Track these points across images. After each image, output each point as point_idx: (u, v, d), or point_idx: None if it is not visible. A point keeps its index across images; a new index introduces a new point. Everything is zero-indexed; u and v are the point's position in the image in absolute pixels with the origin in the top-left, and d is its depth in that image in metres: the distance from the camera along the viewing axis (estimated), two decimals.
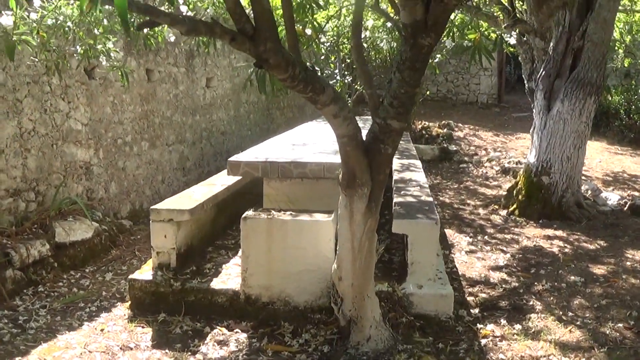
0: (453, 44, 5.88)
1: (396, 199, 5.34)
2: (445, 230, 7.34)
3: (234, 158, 5.29)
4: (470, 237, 7.03)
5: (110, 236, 6.52)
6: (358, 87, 14.59)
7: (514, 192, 8.21)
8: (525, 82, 8.90)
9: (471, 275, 5.80)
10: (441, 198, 9.18)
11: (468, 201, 8.95)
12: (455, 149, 12.56)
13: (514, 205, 8.06)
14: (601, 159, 11.61)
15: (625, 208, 8.22)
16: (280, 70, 3.01)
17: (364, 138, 3.69)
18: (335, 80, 13.52)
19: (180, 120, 9.23)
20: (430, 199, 5.44)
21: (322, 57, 13.90)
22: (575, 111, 7.58)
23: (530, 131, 8.38)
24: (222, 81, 10.78)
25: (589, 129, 7.84)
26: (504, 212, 8.16)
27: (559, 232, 7.25)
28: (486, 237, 7.07)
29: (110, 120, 7.34)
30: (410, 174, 6.80)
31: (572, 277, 5.69)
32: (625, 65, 13.78)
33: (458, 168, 11.59)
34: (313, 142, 6.62)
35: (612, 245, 6.79)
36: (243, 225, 4.61)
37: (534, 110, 8.33)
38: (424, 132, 13.75)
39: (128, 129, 7.76)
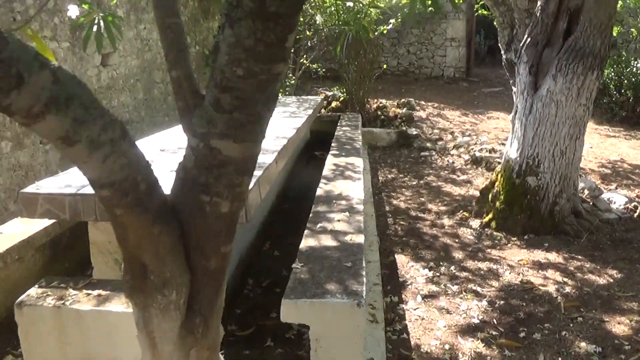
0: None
1: (304, 243, 3.34)
2: (397, 256, 5.35)
3: (30, 188, 3.16)
4: (431, 269, 5.03)
5: None
6: (305, 61, 12.50)
7: (489, 196, 6.21)
8: (503, 52, 6.88)
9: (430, 348, 3.80)
10: (395, 202, 7.15)
11: (429, 205, 6.93)
12: (415, 132, 10.47)
13: (490, 215, 6.07)
14: (592, 143, 9.57)
15: (636, 214, 6.26)
16: None
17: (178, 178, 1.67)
18: None
19: None
20: (361, 238, 3.44)
21: None
22: (572, 90, 5.58)
23: (511, 116, 6.37)
24: (126, 57, 8.67)
25: (589, 114, 5.84)
26: (476, 223, 6.17)
27: (553, 255, 5.29)
28: (452, 267, 5.08)
29: None
30: (343, 183, 4.83)
31: (583, 344, 3.77)
32: (614, 34, 11.86)
33: (419, 157, 9.54)
34: None
35: (628, 276, 4.86)
36: (18, 317, 2.58)
37: (514, 89, 6.33)
38: (379, 112, 11.69)
39: None
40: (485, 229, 5.97)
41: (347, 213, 3.95)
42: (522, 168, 5.89)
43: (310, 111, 7.43)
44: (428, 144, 10.05)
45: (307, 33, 11.98)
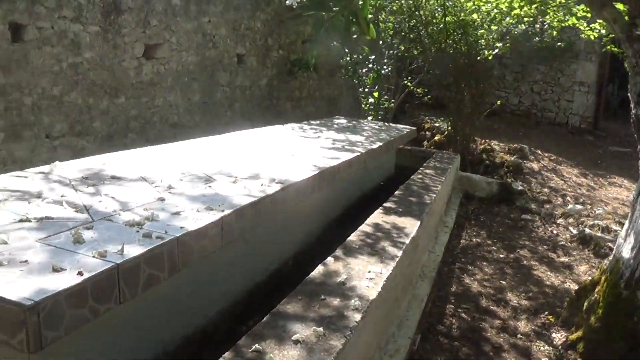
0: None
1: None
2: None
3: None
4: None
5: None
6: (408, 83, 11.00)
7: (585, 302, 4.58)
8: (632, 106, 5.19)
9: None
10: (467, 280, 5.59)
11: (509, 295, 5.34)
12: (521, 188, 8.77)
13: (580, 332, 4.45)
14: None
15: None
16: None
17: None
18: (367, 69, 10.04)
19: (82, 102, 6.14)
20: None
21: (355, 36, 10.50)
22: None
23: (633, 197, 4.71)
24: (181, 52, 7.54)
25: None
26: (560, 337, 4.57)
27: None
28: None
29: None
30: (361, 263, 3.45)
31: None
32: None
33: (518, 219, 7.88)
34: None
35: None
36: None
37: None
38: (484, 155, 10.07)
39: None
40: (569, 352, 4.35)
41: (321, 329, 2.50)
42: (634, 275, 4.23)
43: (374, 146, 5.97)
44: (533, 205, 8.37)
45: (414, 52, 10.52)
